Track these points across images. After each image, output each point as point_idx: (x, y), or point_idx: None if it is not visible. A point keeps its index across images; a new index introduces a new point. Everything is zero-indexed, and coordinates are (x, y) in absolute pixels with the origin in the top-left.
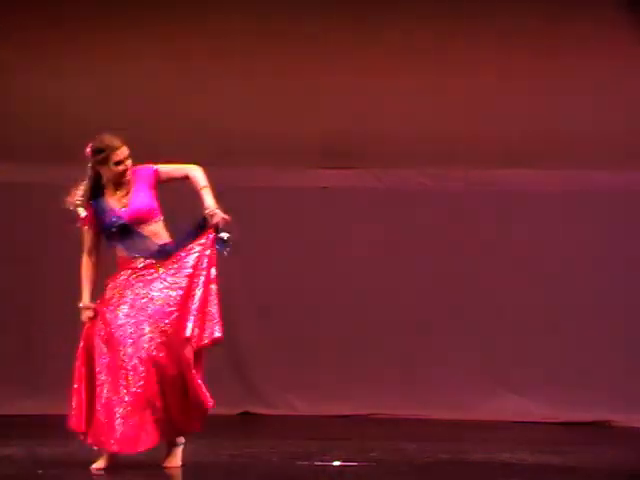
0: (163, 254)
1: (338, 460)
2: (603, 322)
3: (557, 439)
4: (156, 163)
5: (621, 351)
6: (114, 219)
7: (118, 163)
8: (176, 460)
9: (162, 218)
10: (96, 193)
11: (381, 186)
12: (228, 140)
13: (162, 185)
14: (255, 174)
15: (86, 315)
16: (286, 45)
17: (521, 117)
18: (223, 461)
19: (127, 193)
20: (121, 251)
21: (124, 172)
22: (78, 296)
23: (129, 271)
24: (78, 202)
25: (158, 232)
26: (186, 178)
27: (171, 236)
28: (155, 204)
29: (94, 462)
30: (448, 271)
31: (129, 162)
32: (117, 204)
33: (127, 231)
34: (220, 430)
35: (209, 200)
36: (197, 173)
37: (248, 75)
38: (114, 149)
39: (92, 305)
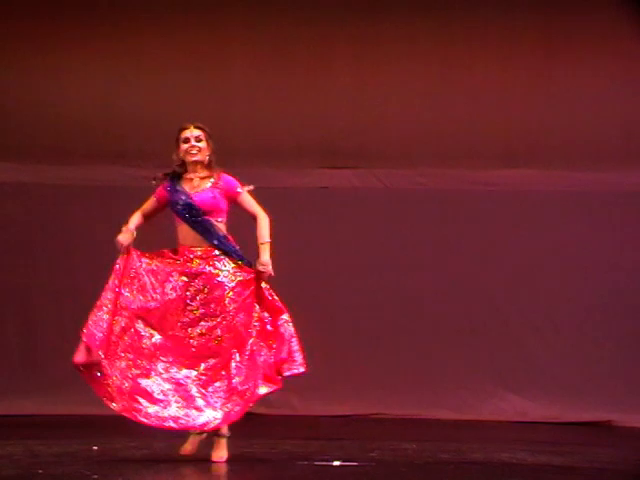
0: (223, 245)
1: (338, 460)
2: (603, 322)
3: (557, 439)
4: (243, 185)
5: (621, 351)
6: (183, 197)
7: (185, 140)
8: (222, 453)
9: (225, 221)
10: (176, 177)
11: (381, 186)
12: (228, 140)
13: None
14: (255, 174)
15: (124, 236)
16: (287, 45)
17: (521, 117)
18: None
19: (202, 184)
20: (183, 235)
21: (191, 151)
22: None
23: (179, 261)
24: (159, 176)
25: (221, 227)
26: (254, 219)
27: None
28: (223, 207)
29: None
30: (448, 271)
31: (201, 144)
32: (190, 189)
33: (193, 212)
34: None
35: (266, 256)
36: (264, 223)
37: (248, 75)
38: (182, 128)
39: (133, 230)
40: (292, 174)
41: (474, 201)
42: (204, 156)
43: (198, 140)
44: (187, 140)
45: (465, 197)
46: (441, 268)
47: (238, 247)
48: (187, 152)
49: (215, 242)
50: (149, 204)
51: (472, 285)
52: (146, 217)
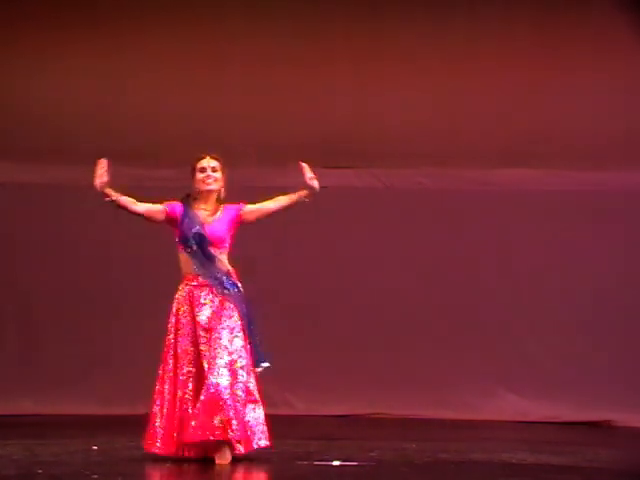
0: (222, 284)
1: (338, 460)
2: (603, 322)
3: (557, 439)
4: (247, 203)
5: (621, 351)
6: (197, 226)
7: (202, 170)
8: (227, 456)
9: (228, 251)
10: (188, 202)
11: (381, 186)
12: (229, 140)
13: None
14: (255, 174)
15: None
16: (287, 45)
17: (521, 117)
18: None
19: (212, 215)
20: (186, 265)
21: (207, 180)
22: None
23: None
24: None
25: (222, 260)
26: (271, 212)
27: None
28: (228, 235)
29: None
30: (447, 270)
31: (217, 175)
32: (202, 218)
33: (202, 244)
34: None
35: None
36: (282, 197)
37: (248, 75)
38: (199, 158)
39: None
40: (292, 174)
41: (474, 201)
42: (219, 186)
43: (214, 170)
44: (203, 170)
45: (465, 197)
46: (441, 268)
47: (238, 283)
48: (203, 181)
49: (211, 280)
50: (154, 208)
51: (472, 285)
52: (136, 213)
